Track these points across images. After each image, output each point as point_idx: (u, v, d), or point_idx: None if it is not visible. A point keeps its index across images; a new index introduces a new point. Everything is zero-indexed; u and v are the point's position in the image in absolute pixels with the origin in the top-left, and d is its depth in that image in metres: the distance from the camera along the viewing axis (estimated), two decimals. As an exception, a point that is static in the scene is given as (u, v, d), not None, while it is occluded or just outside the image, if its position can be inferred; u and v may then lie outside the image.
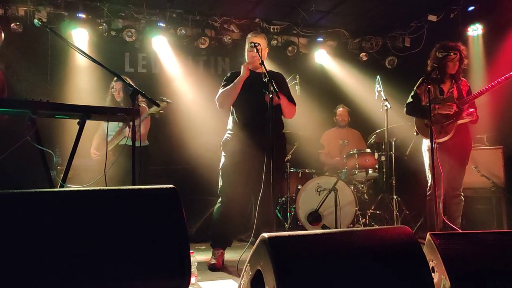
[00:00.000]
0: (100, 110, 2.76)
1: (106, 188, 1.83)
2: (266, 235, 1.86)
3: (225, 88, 3.67)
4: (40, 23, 2.87)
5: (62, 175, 2.74)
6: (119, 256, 1.66)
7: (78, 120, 2.75)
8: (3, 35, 3.38)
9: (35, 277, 1.59)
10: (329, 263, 1.81)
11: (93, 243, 1.67)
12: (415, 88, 3.99)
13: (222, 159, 3.73)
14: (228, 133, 3.76)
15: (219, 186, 3.71)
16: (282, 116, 3.80)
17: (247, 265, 2.03)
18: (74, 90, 5.10)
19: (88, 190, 1.86)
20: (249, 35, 3.80)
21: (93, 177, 2.92)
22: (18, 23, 4.97)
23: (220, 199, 3.70)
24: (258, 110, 3.55)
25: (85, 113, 2.68)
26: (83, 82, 5.19)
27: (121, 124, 4.19)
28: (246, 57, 3.77)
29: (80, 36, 5.21)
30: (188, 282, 1.74)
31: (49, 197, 1.76)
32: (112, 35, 5.51)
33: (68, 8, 5.24)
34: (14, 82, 4.49)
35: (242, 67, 3.65)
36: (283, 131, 5.07)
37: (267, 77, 3.11)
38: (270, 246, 1.81)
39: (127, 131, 4.44)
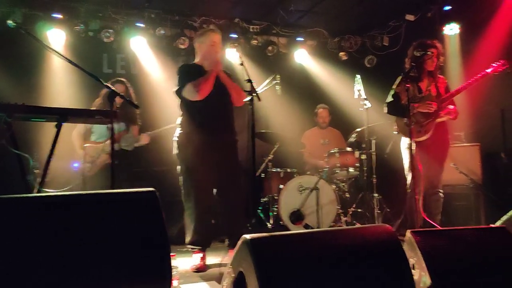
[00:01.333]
0: (77, 113, 2.71)
1: (84, 192, 1.79)
2: (248, 236, 1.85)
3: (205, 78, 3.53)
4: (13, 24, 2.80)
5: (39, 179, 2.67)
6: (97, 262, 1.63)
7: (55, 123, 2.70)
8: None
9: (12, 284, 1.55)
10: (312, 264, 1.81)
11: (71, 248, 1.64)
12: (394, 86, 4.02)
13: (179, 162, 3.66)
14: (180, 132, 3.67)
15: (183, 192, 3.65)
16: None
17: (229, 267, 2.01)
18: (53, 92, 5.01)
19: (66, 195, 1.82)
20: (209, 31, 3.79)
21: (72, 181, 2.87)
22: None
23: (188, 205, 3.64)
24: (216, 110, 3.55)
25: (62, 116, 2.63)
26: (61, 85, 5.09)
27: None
28: (202, 52, 3.72)
29: (56, 37, 5.11)
30: (169, 285, 1.72)
31: (25, 203, 1.72)
32: (90, 36, 5.42)
33: (43, 8, 5.13)
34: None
35: (213, 63, 3.61)
36: (264, 131, 5.09)
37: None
38: (252, 248, 1.80)
39: (144, 139, 4.45)
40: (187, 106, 3.65)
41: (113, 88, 2.81)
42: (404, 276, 1.91)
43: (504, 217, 2.88)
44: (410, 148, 3.54)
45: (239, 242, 1.89)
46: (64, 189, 2.81)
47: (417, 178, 3.54)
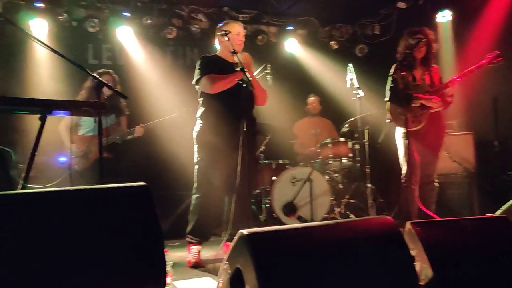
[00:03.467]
0: (62, 105, 2.58)
1: (71, 188, 1.69)
2: (245, 231, 1.77)
3: (224, 77, 3.49)
4: (-7, 12, 2.65)
5: (23, 175, 2.55)
6: (88, 260, 1.53)
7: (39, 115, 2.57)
8: None
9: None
10: (312, 258, 1.74)
11: (60, 247, 1.55)
12: (390, 74, 3.94)
13: (196, 152, 3.60)
14: (200, 123, 3.63)
15: (196, 182, 3.58)
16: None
17: (225, 263, 1.94)
18: (37, 84, 4.84)
19: (52, 191, 1.72)
20: (232, 21, 3.74)
21: (58, 176, 2.76)
22: (-30, 14, 4.66)
23: (197, 195, 3.57)
24: (234, 100, 3.44)
25: (46, 107, 2.50)
26: (46, 76, 4.93)
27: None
28: (222, 44, 3.64)
29: (39, 27, 4.94)
30: (163, 283, 1.64)
31: (9, 200, 1.62)
32: (74, 26, 5.25)
33: (25, -3, 4.96)
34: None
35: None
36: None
37: (240, 67, 2.97)
38: (249, 243, 1.72)
39: (138, 131, 4.31)
40: (207, 98, 3.60)
41: (100, 79, 2.69)
42: (408, 269, 1.86)
43: (504, 206, 2.83)
44: (405, 137, 3.47)
45: (236, 237, 1.81)
46: (50, 184, 2.69)
47: (413, 168, 3.49)
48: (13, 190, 2.41)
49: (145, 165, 5.31)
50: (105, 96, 4.22)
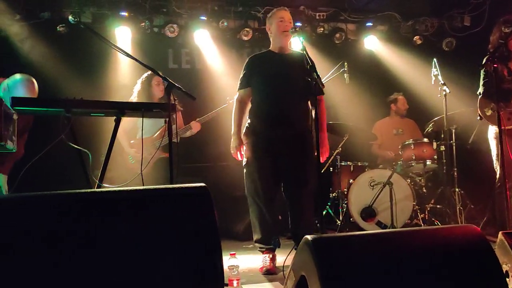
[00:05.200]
0: (134, 106, 2.66)
1: (133, 188, 1.70)
2: (309, 237, 1.66)
3: (237, 122, 3.44)
4: (74, 20, 2.81)
5: (99, 175, 2.66)
6: (146, 260, 1.52)
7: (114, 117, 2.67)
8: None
9: (70, 277, 1.49)
10: (382, 269, 1.58)
11: (122, 245, 1.56)
12: (480, 67, 3.58)
13: (244, 155, 3.44)
14: (247, 123, 3.49)
15: (246, 187, 3.45)
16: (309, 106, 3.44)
17: (290, 270, 1.84)
18: (119, 89, 5.07)
19: (121, 190, 1.74)
20: (275, 9, 3.59)
21: (129, 176, 2.83)
22: (63, 25, 4.99)
23: (249, 202, 3.44)
24: (284, 98, 3.32)
25: (120, 109, 2.58)
26: (128, 81, 5.15)
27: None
28: (275, 31, 3.52)
29: (123, 34, 5.19)
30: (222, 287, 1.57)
31: (85, 198, 1.67)
32: (155, 32, 5.46)
33: (111, 7, 5.23)
34: (58, 83, 4.52)
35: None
36: (332, 122, 4.80)
37: (309, 63, 2.82)
38: (314, 250, 1.61)
39: (195, 126, 4.33)
40: (253, 95, 3.48)
41: (170, 80, 2.73)
42: (498, 286, 1.62)
43: None
44: (499, 137, 3.12)
45: (301, 243, 1.71)
46: (121, 184, 2.77)
47: (508, 171, 3.13)
48: (90, 189, 2.52)
49: (219, 166, 5.33)
50: (159, 97, 4.26)
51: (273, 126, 3.36)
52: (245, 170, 3.44)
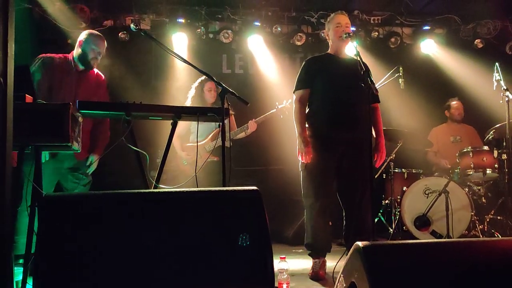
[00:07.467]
0: (190, 111, 2.75)
1: (187, 190, 1.77)
2: (360, 243, 1.65)
3: (301, 124, 3.38)
4: (135, 27, 2.94)
5: (155, 176, 2.77)
6: (199, 261, 1.58)
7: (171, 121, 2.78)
8: (105, 42, 3.55)
9: (127, 275, 1.59)
10: (435, 280, 1.55)
11: (175, 245, 1.63)
12: None
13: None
14: (306, 125, 3.44)
15: (303, 190, 3.42)
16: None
17: (340, 276, 1.84)
18: (175, 94, 5.23)
19: (176, 191, 1.82)
20: (333, 14, 3.52)
21: (182, 178, 2.92)
22: (125, 32, 5.26)
23: (305, 205, 3.41)
24: (348, 100, 3.27)
25: (176, 113, 2.68)
26: (185, 86, 5.31)
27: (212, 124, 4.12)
28: (332, 36, 3.48)
29: (180, 41, 5.37)
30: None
31: (143, 198, 1.77)
32: (210, 38, 5.60)
33: (169, 14, 5.43)
34: (119, 87, 4.73)
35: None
36: (386, 128, 4.69)
37: (363, 68, 2.80)
38: (365, 257, 1.60)
39: (251, 126, 4.38)
40: (313, 96, 3.44)
41: (224, 85, 2.79)
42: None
43: None
44: None
45: (352, 250, 1.70)
46: (175, 186, 2.87)
47: None
48: (148, 189, 2.63)
49: (271, 169, 5.37)
50: (211, 102, 4.33)
51: (338, 127, 3.32)
52: (303, 173, 3.39)
